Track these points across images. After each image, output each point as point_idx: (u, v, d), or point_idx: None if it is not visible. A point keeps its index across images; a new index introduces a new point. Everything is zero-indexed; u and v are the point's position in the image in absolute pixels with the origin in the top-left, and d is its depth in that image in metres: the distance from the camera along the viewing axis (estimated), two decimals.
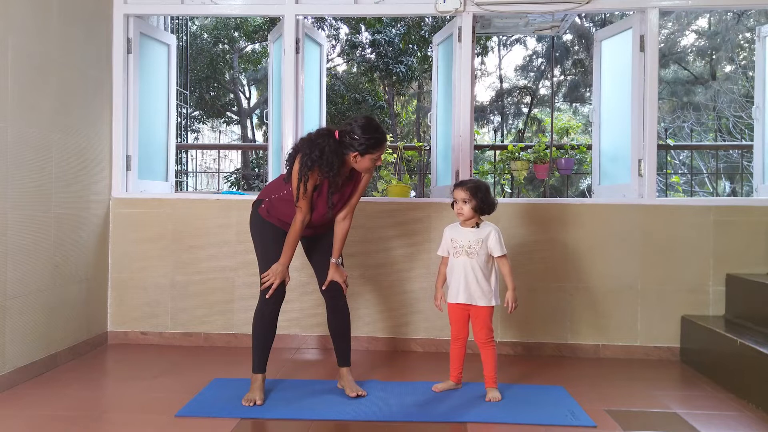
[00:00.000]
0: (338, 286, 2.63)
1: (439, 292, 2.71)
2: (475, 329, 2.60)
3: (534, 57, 14.71)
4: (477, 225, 2.61)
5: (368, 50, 11.15)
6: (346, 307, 2.67)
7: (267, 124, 4.28)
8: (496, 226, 2.64)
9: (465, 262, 2.58)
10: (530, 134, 13.65)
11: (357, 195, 2.62)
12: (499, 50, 14.86)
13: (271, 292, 2.51)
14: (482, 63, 14.44)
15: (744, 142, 8.87)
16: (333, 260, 2.62)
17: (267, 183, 2.79)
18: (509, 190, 5.23)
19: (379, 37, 10.15)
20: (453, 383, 2.72)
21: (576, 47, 13.54)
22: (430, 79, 5.99)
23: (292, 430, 2.25)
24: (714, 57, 12.90)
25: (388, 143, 2.54)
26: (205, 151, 12.87)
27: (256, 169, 11.94)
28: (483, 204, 2.57)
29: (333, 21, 11.73)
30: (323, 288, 2.64)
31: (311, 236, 2.70)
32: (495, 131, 14.58)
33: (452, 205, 2.64)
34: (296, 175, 2.40)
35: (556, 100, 13.34)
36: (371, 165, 2.49)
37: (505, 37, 14.21)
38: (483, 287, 2.56)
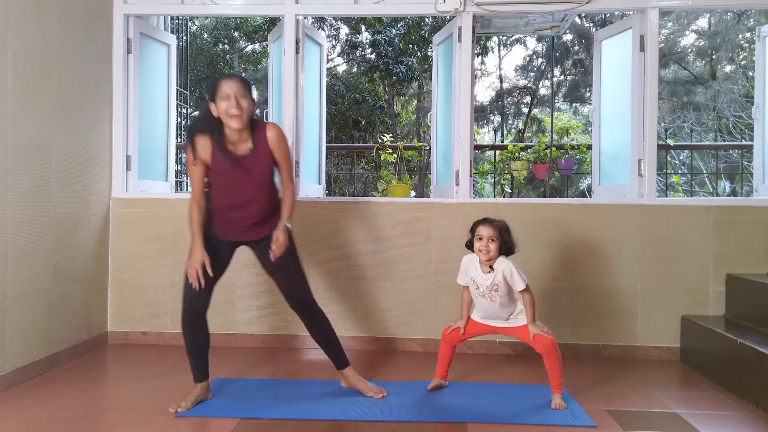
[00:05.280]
0: (304, 301, 2.55)
1: (462, 321, 2.68)
2: (537, 343, 2.54)
3: (534, 57, 14.70)
4: (491, 268, 2.55)
5: (368, 50, 11.15)
6: (321, 314, 2.60)
7: None
8: (505, 259, 2.57)
9: (488, 304, 2.58)
10: (530, 134, 13.65)
11: (284, 163, 2.49)
12: (499, 50, 14.86)
13: (199, 282, 2.38)
14: (482, 63, 14.44)
15: (744, 142, 8.87)
16: (284, 222, 2.47)
17: None
18: (509, 190, 5.23)
19: (379, 38, 10.15)
20: (440, 380, 2.72)
21: (576, 47, 13.53)
22: (430, 79, 5.99)
23: (292, 430, 2.25)
24: (714, 57, 12.89)
25: (240, 85, 2.35)
26: None
27: None
28: (507, 245, 2.53)
29: (333, 21, 11.72)
30: (286, 290, 2.55)
31: (257, 240, 2.54)
32: (495, 131, 14.58)
33: (468, 243, 2.59)
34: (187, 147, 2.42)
35: (556, 100, 13.34)
36: (226, 107, 2.31)
37: (505, 37, 14.20)
38: (518, 311, 2.58)
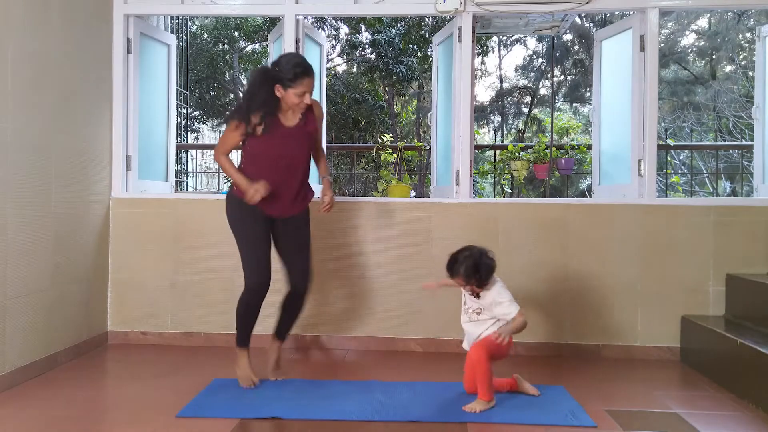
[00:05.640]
0: (306, 288, 2.77)
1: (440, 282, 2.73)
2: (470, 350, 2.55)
3: (534, 57, 14.69)
4: (478, 295, 2.55)
5: (368, 50, 11.14)
6: (305, 301, 2.82)
7: None
8: (497, 281, 2.55)
9: (469, 326, 2.60)
10: (530, 134, 13.64)
11: (319, 134, 2.77)
12: (499, 50, 14.85)
13: (260, 196, 2.52)
14: (482, 63, 14.42)
15: (744, 142, 8.87)
16: (327, 177, 2.78)
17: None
18: (509, 190, 5.23)
19: (379, 37, 10.14)
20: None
21: (576, 47, 13.53)
22: (430, 79, 5.98)
23: (292, 430, 2.25)
24: (714, 57, 12.89)
25: (314, 82, 2.55)
26: (205, 151, 12.85)
27: None
28: (483, 277, 2.49)
29: (333, 21, 11.72)
30: (291, 268, 2.74)
31: (287, 218, 2.70)
32: (495, 131, 14.57)
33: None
34: (235, 122, 2.56)
35: (556, 100, 13.33)
36: (297, 101, 2.51)
37: (505, 37, 14.19)
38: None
